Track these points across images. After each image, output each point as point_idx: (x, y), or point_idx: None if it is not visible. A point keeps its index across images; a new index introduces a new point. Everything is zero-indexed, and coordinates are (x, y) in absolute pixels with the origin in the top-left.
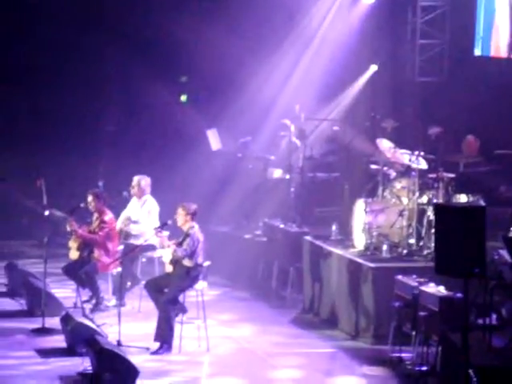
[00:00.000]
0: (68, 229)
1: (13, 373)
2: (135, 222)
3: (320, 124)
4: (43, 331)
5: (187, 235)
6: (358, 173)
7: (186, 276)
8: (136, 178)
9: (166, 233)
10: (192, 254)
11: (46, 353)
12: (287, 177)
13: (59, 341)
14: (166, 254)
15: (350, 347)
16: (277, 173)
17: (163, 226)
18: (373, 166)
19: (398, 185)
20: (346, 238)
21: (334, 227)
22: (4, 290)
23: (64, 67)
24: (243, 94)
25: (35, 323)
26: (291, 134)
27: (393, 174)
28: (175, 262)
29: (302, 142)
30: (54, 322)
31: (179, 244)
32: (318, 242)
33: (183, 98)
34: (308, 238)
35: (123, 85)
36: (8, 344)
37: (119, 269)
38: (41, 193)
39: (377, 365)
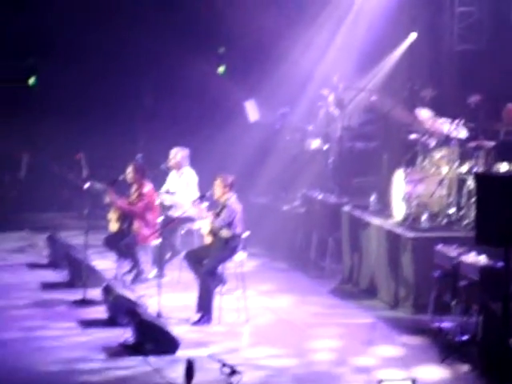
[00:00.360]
0: (107, 200)
1: (55, 344)
2: (174, 194)
3: (358, 94)
4: (84, 303)
5: (224, 206)
6: (397, 142)
7: (224, 247)
8: (174, 151)
9: (204, 204)
10: (229, 225)
11: (87, 324)
12: (325, 147)
13: (100, 312)
14: (204, 225)
15: (390, 317)
16: (315, 143)
17: (202, 197)
18: (412, 136)
19: (437, 154)
20: (384, 208)
21: (372, 197)
22: (46, 261)
23: (102, 42)
24: (281, 64)
25: (77, 295)
26: (329, 104)
27: (432, 143)
28: (214, 233)
29: (340, 112)
30: (95, 293)
31: (216, 215)
32: (356, 213)
33: (221, 69)
34: (346, 208)
35: (161, 57)
36: (50, 315)
37: (159, 240)
38: (81, 166)
39: (416, 334)
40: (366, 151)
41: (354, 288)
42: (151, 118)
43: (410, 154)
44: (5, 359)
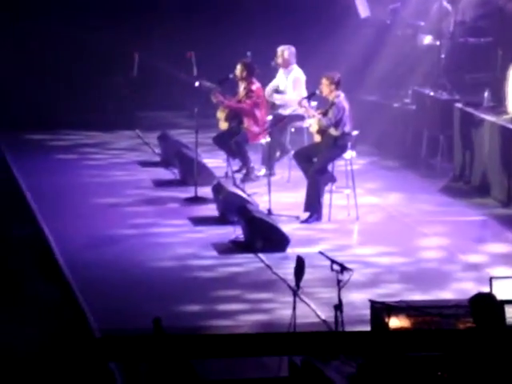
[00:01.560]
0: (214, 100)
1: (168, 240)
2: (282, 92)
3: None
4: (196, 200)
5: (332, 104)
6: None
7: (333, 145)
8: (280, 49)
9: (313, 103)
10: (338, 123)
11: (199, 221)
12: (437, 43)
13: (211, 209)
14: (312, 123)
15: (502, 215)
16: (427, 39)
17: (310, 96)
18: None
19: None
20: (498, 105)
21: (486, 94)
22: (158, 159)
23: None
24: None
25: (188, 192)
26: None
27: None
28: (323, 131)
29: (453, 6)
30: (206, 191)
31: (324, 114)
32: (469, 110)
33: None
34: (459, 105)
35: None
36: (162, 212)
37: (268, 139)
38: (191, 64)
39: None
40: (479, 46)
41: (466, 186)
42: (260, 15)
43: None
44: (119, 255)
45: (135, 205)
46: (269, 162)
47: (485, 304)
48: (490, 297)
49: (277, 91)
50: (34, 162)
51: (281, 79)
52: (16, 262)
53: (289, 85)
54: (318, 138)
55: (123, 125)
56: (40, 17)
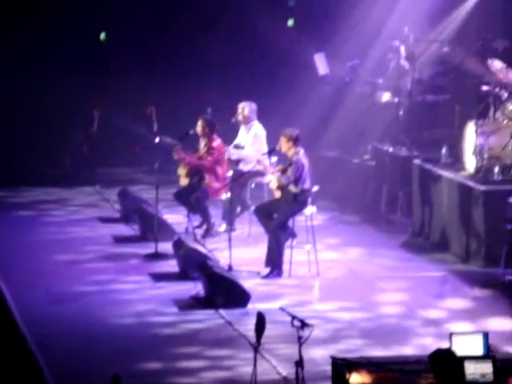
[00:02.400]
0: (175, 157)
1: (128, 297)
2: (241, 148)
3: (429, 45)
4: (156, 256)
5: (291, 162)
6: (469, 94)
7: (293, 201)
8: (241, 105)
9: (274, 158)
10: (297, 181)
11: (159, 277)
12: (396, 100)
13: (172, 265)
14: (272, 180)
15: (461, 270)
16: (385, 96)
17: (270, 152)
18: (484, 88)
19: (510, 106)
20: (456, 161)
21: (443, 150)
22: (118, 215)
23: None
24: (351, 17)
25: (148, 248)
26: (400, 56)
27: (505, 94)
28: (282, 187)
29: (410, 64)
30: (166, 247)
31: (284, 171)
32: (427, 166)
33: (290, 22)
34: (417, 161)
35: (231, 10)
36: (122, 269)
37: (229, 194)
38: (152, 120)
39: (488, 287)
40: (437, 103)
41: (425, 241)
42: (221, 71)
43: (482, 106)
44: (78, 312)
45: (95, 261)
46: (229, 217)
47: (444, 360)
48: (449, 353)
49: (236, 146)
50: None
51: (242, 135)
52: None
53: (248, 140)
54: (278, 194)
55: (83, 181)
56: None
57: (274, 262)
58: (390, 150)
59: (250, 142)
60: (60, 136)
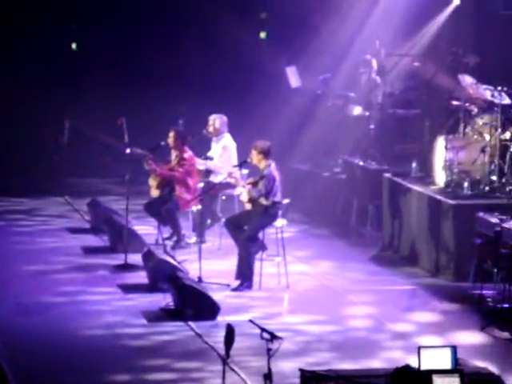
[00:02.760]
0: (146, 168)
1: (96, 308)
2: (210, 159)
3: (400, 60)
4: (126, 267)
5: (262, 175)
6: (439, 109)
7: (264, 213)
8: (212, 118)
9: (245, 171)
10: (268, 194)
11: (128, 289)
12: (367, 114)
13: (141, 277)
14: (243, 193)
15: (430, 284)
16: (356, 110)
17: (241, 164)
18: (454, 102)
19: (479, 121)
20: (426, 175)
21: (413, 164)
22: (87, 226)
23: (139, 5)
24: (323, 30)
25: (118, 259)
26: (371, 70)
27: (475, 110)
28: (253, 200)
29: (381, 78)
30: (136, 258)
31: (255, 184)
32: (397, 180)
33: (263, 35)
34: (387, 175)
35: (202, 22)
36: (92, 280)
37: (199, 206)
38: (122, 131)
39: (457, 302)
40: (407, 118)
41: (395, 255)
42: (192, 84)
43: (452, 121)
44: (47, 323)
45: (64, 272)
46: (200, 229)
47: (403, 376)
48: (406, 368)
49: (206, 158)
50: None
51: (213, 147)
52: None
53: (216, 152)
54: (248, 207)
55: (52, 191)
56: None
57: (244, 274)
58: (361, 163)
59: (219, 154)
60: (30, 145)
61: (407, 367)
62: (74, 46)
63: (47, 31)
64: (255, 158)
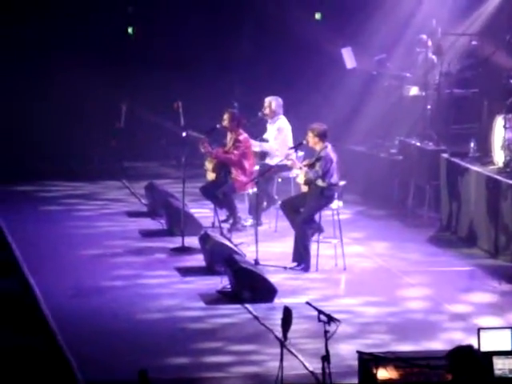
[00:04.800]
0: (202, 150)
1: (154, 291)
2: (265, 141)
3: (457, 39)
4: (183, 250)
5: (319, 157)
6: (498, 88)
7: (320, 195)
8: (268, 99)
9: (300, 153)
10: (325, 175)
11: (185, 272)
12: (423, 94)
13: (198, 260)
14: (300, 174)
15: (489, 265)
16: (413, 90)
17: (297, 146)
18: None
19: None
20: (484, 155)
21: (472, 144)
22: (145, 209)
23: None
24: (378, 10)
25: (175, 242)
26: (428, 49)
27: None
28: (310, 182)
29: (438, 57)
30: (192, 241)
31: (311, 165)
32: (455, 160)
33: (318, 16)
34: (445, 155)
35: (256, 5)
36: (149, 263)
37: (255, 189)
38: (179, 115)
39: None
40: (465, 97)
41: (453, 236)
42: (248, 65)
43: (510, 100)
44: (105, 307)
45: (122, 255)
46: (256, 212)
47: (465, 357)
48: (470, 349)
49: (262, 140)
50: (20, 213)
51: (268, 129)
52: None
53: (271, 134)
54: (304, 189)
55: (110, 175)
56: (25, 68)
57: (301, 256)
58: (418, 144)
59: (274, 136)
60: (87, 131)
61: (469, 348)
62: (129, 29)
63: (103, 15)
64: (311, 140)
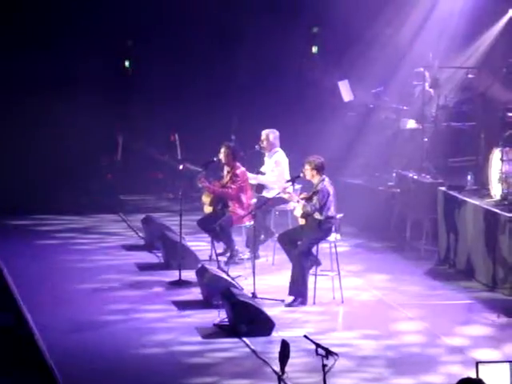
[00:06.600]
0: (199, 185)
1: (151, 325)
2: (262, 174)
3: (454, 72)
4: (180, 284)
5: (316, 190)
6: (495, 121)
7: (318, 228)
8: (265, 132)
9: (297, 186)
10: (322, 208)
11: (182, 305)
12: (420, 127)
13: (195, 293)
14: (297, 207)
15: (487, 298)
16: (410, 123)
17: (295, 179)
18: (510, 114)
19: None
20: (481, 188)
21: (469, 177)
22: (142, 243)
23: (196, 22)
24: (375, 43)
25: (172, 276)
26: (425, 82)
27: None
28: (307, 215)
29: (435, 90)
30: (190, 274)
31: (309, 199)
32: (452, 193)
33: (314, 49)
34: (442, 188)
35: (254, 37)
36: (146, 296)
37: (253, 222)
38: (175, 147)
39: None
40: (462, 130)
41: (451, 269)
42: (245, 99)
43: (507, 133)
44: (101, 341)
45: (119, 289)
46: (253, 244)
47: None
48: (480, 381)
49: (258, 173)
50: (15, 247)
51: (265, 162)
52: None
53: (269, 167)
54: (302, 222)
55: (107, 208)
56: (23, 99)
57: (298, 289)
58: (415, 176)
59: (271, 169)
60: (84, 164)
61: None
62: (127, 63)
63: (101, 48)
64: (309, 173)
